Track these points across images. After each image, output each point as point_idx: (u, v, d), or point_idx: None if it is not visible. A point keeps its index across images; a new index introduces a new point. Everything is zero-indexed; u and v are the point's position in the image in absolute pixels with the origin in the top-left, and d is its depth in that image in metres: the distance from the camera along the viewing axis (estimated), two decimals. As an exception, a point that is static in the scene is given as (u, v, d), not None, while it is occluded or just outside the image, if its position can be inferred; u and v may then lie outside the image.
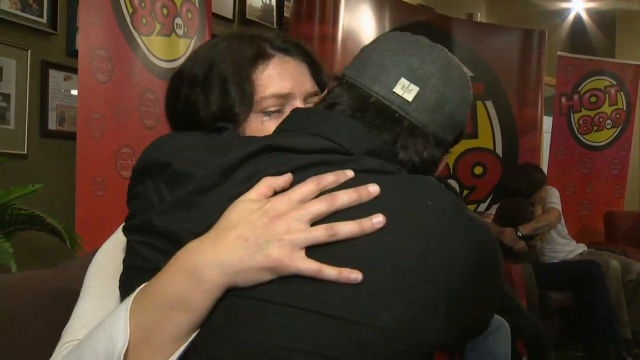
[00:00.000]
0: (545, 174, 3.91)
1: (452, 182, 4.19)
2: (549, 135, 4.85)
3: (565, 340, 3.62)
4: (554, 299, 3.43)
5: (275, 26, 3.78)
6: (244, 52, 0.91)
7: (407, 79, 0.74)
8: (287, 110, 0.88)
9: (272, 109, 0.89)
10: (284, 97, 0.90)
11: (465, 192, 4.22)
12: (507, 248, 3.40)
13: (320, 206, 0.63)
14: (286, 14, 3.82)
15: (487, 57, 4.20)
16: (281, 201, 0.63)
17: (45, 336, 0.81)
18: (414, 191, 0.67)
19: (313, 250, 0.61)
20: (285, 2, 3.83)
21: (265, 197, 0.65)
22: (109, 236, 0.90)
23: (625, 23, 6.17)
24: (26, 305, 0.97)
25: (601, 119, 4.88)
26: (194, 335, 0.63)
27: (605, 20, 6.15)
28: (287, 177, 0.66)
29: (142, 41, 2.25)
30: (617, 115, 4.90)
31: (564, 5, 6.03)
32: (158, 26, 2.34)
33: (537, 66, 4.32)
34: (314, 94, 0.92)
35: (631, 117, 4.93)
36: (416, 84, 0.74)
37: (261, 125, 0.89)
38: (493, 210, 3.84)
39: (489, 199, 4.22)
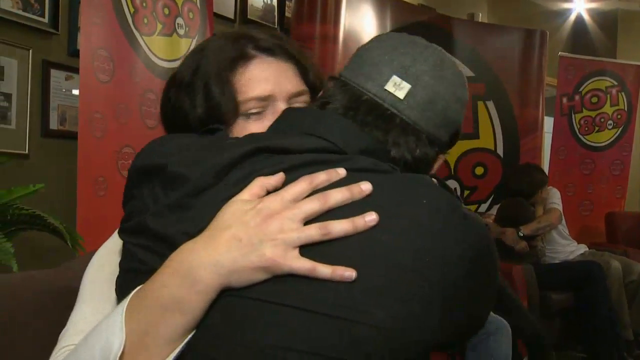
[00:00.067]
0: (547, 174, 3.91)
1: (453, 183, 4.19)
2: (550, 135, 4.84)
3: (566, 341, 3.62)
4: (554, 299, 3.43)
5: (276, 26, 3.78)
6: (225, 54, 0.91)
7: (398, 77, 0.74)
8: (269, 112, 0.89)
9: (253, 111, 0.89)
10: (265, 99, 0.89)
11: (466, 192, 4.22)
12: (509, 248, 3.40)
13: (313, 205, 0.63)
14: (287, 14, 3.82)
15: (489, 57, 4.19)
16: (274, 201, 0.64)
17: (46, 336, 0.81)
18: (408, 189, 0.67)
19: (307, 249, 0.62)
20: (287, 2, 3.83)
21: (258, 197, 0.65)
22: (110, 236, 0.90)
23: (627, 23, 6.17)
24: (27, 305, 0.97)
25: (602, 120, 4.87)
26: (189, 336, 0.63)
27: (606, 20, 6.15)
28: (279, 177, 0.66)
29: (144, 41, 2.26)
30: (619, 116, 4.90)
31: (566, 5, 6.03)
32: (159, 26, 2.34)
33: (538, 66, 4.32)
34: (299, 94, 0.92)
35: (632, 117, 4.92)
36: (408, 82, 0.74)
37: (242, 128, 0.89)
38: (494, 210, 3.84)
39: (490, 199, 4.22)
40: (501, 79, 4.23)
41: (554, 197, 3.74)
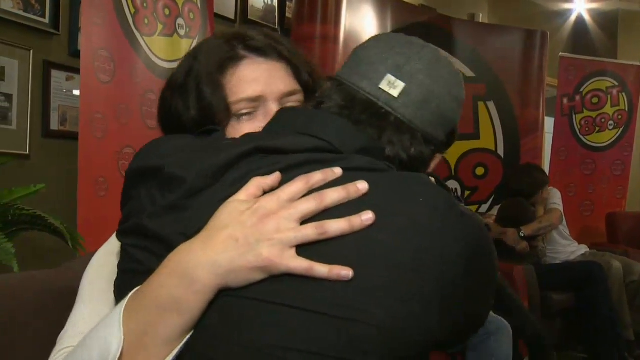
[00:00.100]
0: (547, 174, 3.91)
1: (454, 183, 4.19)
2: (551, 136, 4.84)
3: (567, 341, 3.61)
4: (555, 299, 3.42)
5: (277, 27, 3.78)
6: (216, 56, 0.91)
7: (393, 75, 0.74)
8: (261, 113, 0.89)
9: (245, 111, 0.90)
10: (255, 100, 0.90)
11: (467, 193, 4.22)
12: (510, 249, 3.39)
13: (309, 205, 0.63)
14: (288, 14, 3.82)
15: (489, 57, 4.19)
16: (270, 200, 0.64)
17: (46, 336, 0.81)
18: (404, 188, 0.67)
19: (303, 249, 0.62)
20: (287, 3, 3.83)
21: (254, 197, 0.65)
22: (110, 237, 0.90)
23: (628, 24, 6.17)
24: (28, 305, 0.97)
25: (603, 120, 4.87)
26: (187, 336, 0.63)
27: (607, 21, 6.15)
28: (275, 177, 0.66)
29: (144, 41, 2.26)
30: (619, 116, 4.90)
31: (566, 5, 6.03)
32: (160, 26, 2.34)
33: (539, 67, 4.32)
34: (291, 94, 0.92)
35: (633, 118, 4.92)
36: (402, 80, 0.74)
37: (235, 129, 0.89)
38: (495, 211, 3.84)
39: (491, 199, 4.22)
40: (502, 80, 4.23)
41: (555, 198, 3.74)
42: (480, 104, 4.21)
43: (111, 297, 0.76)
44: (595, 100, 4.85)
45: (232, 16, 3.52)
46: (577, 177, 4.82)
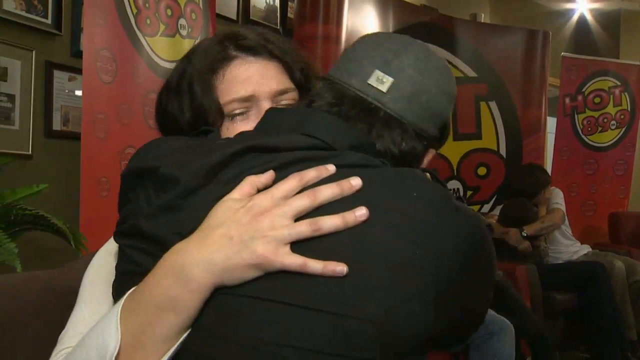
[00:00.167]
0: (549, 174, 3.90)
1: (456, 183, 4.19)
2: (553, 136, 4.84)
3: (569, 341, 3.61)
4: (558, 299, 3.42)
5: (278, 27, 3.79)
6: (208, 57, 0.92)
7: (381, 71, 0.75)
8: (254, 112, 0.90)
9: (237, 111, 0.90)
10: (247, 100, 0.90)
11: (469, 192, 4.21)
12: (512, 248, 3.39)
13: (303, 201, 0.64)
14: (290, 14, 3.82)
15: (491, 57, 4.19)
16: (264, 198, 0.64)
17: (49, 335, 0.81)
18: (398, 183, 0.67)
19: (298, 246, 0.62)
20: (289, 3, 3.83)
21: (248, 195, 0.65)
22: (111, 237, 0.90)
23: (630, 23, 6.16)
24: (31, 304, 0.97)
25: (605, 120, 4.86)
26: (184, 335, 0.63)
27: (609, 20, 6.14)
28: (269, 175, 0.66)
29: (146, 42, 2.26)
30: (622, 116, 4.89)
31: (568, 5, 6.02)
32: (162, 27, 2.34)
33: (541, 67, 4.31)
34: (284, 92, 0.92)
35: (636, 117, 4.91)
36: (390, 75, 0.75)
37: (229, 130, 0.90)
38: (497, 211, 3.83)
39: (493, 199, 4.22)
40: (504, 80, 4.22)
41: (557, 198, 3.73)
42: (483, 104, 4.21)
43: (111, 296, 0.76)
44: (597, 100, 4.85)
45: (234, 16, 3.52)
46: (579, 177, 4.82)
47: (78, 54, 2.55)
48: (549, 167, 4.62)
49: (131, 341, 0.62)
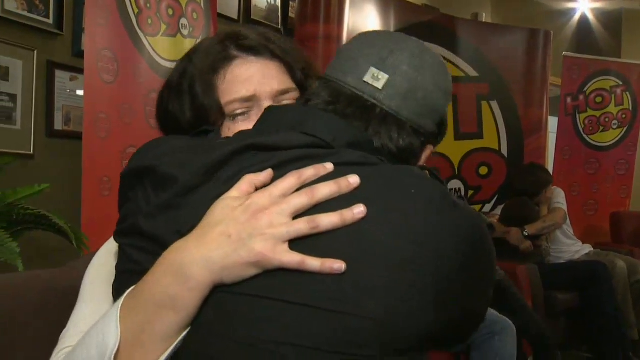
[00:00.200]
0: (551, 174, 3.90)
1: (457, 183, 4.18)
2: (555, 135, 4.83)
3: (571, 341, 3.60)
4: (560, 299, 3.42)
5: (280, 26, 3.79)
6: (209, 57, 0.92)
7: (376, 68, 0.75)
8: (255, 112, 0.89)
9: (239, 111, 0.90)
10: (249, 100, 0.90)
11: (471, 192, 4.21)
12: (513, 248, 3.39)
13: (301, 199, 0.64)
14: (291, 14, 3.82)
15: (493, 57, 4.19)
16: (262, 196, 0.64)
17: (51, 335, 0.81)
18: (396, 180, 0.67)
19: (296, 244, 0.62)
20: (290, 3, 3.83)
21: (247, 193, 0.65)
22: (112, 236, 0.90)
23: (632, 23, 6.15)
24: (33, 304, 0.98)
25: (607, 119, 4.86)
26: (184, 333, 0.63)
27: (611, 20, 6.13)
28: (267, 173, 0.67)
29: (148, 42, 2.26)
30: (623, 116, 4.88)
31: (570, 5, 6.02)
32: (163, 27, 2.34)
33: (542, 66, 4.31)
34: (285, 92, 0.92)
35: (637, 117, 4.90)
36: (386, 72, 0.75)
37: (230, 130, 0.89)
38: (498, 210, 3.83)
39: (494, 199, 4.21)
40: (505, 79, 4.22)
41: (559, 197, 3.73)
42: (484, 104, 4.21)
43: (112, 296, 0.76)
44: (599, 99, 4.84)
45: (235, 16, 3.52)
46: (581, 177, 4.81)
47: (79, 54, 2.55)
48: (550, 167, 4.61)
49: (131, 339, 0.63)
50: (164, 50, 2.33)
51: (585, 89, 4.82)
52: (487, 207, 4.19)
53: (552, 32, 4.42)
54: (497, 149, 4.25)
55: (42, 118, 2.58)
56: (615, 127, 4.88)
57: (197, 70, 0.91)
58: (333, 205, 0.63)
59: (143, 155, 0.74)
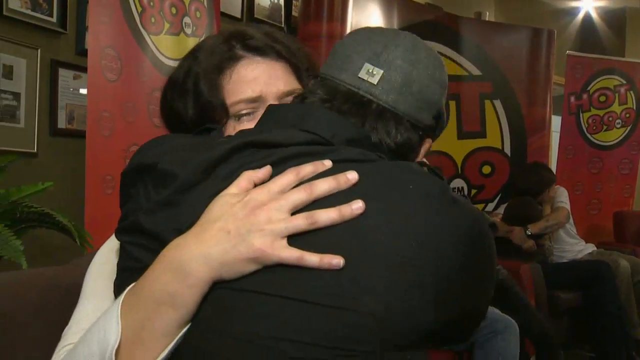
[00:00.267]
0: (554, 173, 3.89)
1: (460, 182, 4.18)
2: (558, 134, 4.82)
3: (574, 340, 3.60)
4: (563, 298, 3.41)
5: (283, 25, 3.79)
6: (215, 56, 0.92)
7: (370, 64, 0.75)
8: (260, 113, 0.88)
9: (244, 112, 0.90)
10: (255, 101, 0.90)
11: (474, 191, 4.21)
12: (516, 247, 3.38)
13: (300, 195, 0.64)
14: (294, 12, 3.82)
15: (496, 56, 4.18)
16: (261, 192, 0.64)
17: (54, 332, 0.82)
18: (394, 176, 0.67)
19: (295, 239, 0.62)
20: (294, 1, 3.83)
21: (245, 190, 0.65)
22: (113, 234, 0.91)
23: (636, 22, 6.13)
24: (36, 301, 0.98)
25: (611, 119, 4.84)
26: (184, 330, 0.63)
27: (615, 19, 6.11)
28: (266, 170, 0.67)
29: (151, 40, 2.26)
30: (627, 115, 4.87)
31: (574, 4, 6.00)
32: (167, 25, 2.35)
33: (546, 65, 4.30)
34: (291, 93, 0.92)
35: (641, 116, 4.90)
36: (380, 67, 0.75)
37: (234, 130, 0.89)
38: (501, 209, 3.83)
39: (497, 198, 4.21)
40: (508, 78, 4.21)
41: (562, 196, 3.72)
42: (487, 103, 4.20)
43: (113, 294, 0.77)
44: (602, 98, 4.83)
45: (238, 15, 3.52)
46: (584, 176, 4.80)
47: (83, 53, 2.55)
48: (553, 166, 4.61)
49: (131, 336, 0.63)
50: (167, 48, 2.33)
51: (589, 88, 4.81)
52: (490, 206, 4.18)
53: (555, 31, 4.40)
54: (500, 148, 4.24)
55: (46, 116, 2.59)
56: (618, 126, 4.86)
57: (202, 69, 0.91)
58: (331, 201, 0.63)
59: (144, 153, 0.75)
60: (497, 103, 4.21)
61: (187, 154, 0.71)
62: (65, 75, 2.64)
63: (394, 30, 0.80)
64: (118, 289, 0.72)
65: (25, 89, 2.50)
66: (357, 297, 0.59)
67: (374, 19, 3.50)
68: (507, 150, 4.24)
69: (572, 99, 4.79)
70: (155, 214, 0.68)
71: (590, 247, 3.83)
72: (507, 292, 2.76)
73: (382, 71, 0.74)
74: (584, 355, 3.62)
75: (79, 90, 2.69)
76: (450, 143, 4.08)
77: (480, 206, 4.15)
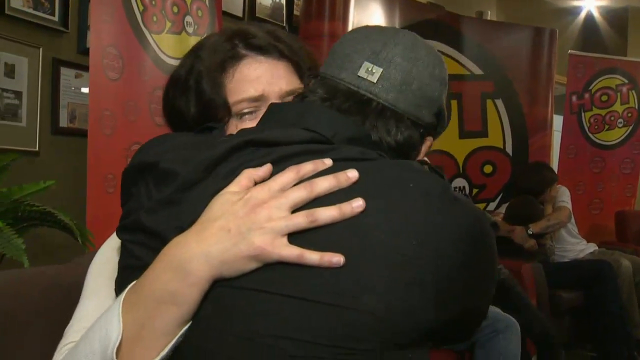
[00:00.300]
0: (556, 172, 3.89)
1: (462, 181, 4.18)
2: (560, 134, 4.82)
3: (575, 340, 3.60)
4: (564, 298, 3.41)
5: (284, 24, 3.79)
6: (217, 55, 0.92)
7: (370, 62, 0.75)
8: (262, 112, 0.88)
9: (246, 111, 0.90)
10: (257, 100, 0.90)
11: (475, 190, 4.21)
12: (518, 246, 3.38)
13: (300, 193, 0.64)
14: (296, 11, 3.82)
15: (498, 55, 4.18)
16: (261, 190, 0.64)
17: (56, 330, 0.82)
18: (394, 175, 0.67)
19: (295, 237, 0.62)
20: (295, 0, 3.83)
21: (246, 188, 0.65)
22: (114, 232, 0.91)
23: (638, 21, 6.12)
24: (38, 300, 0.98)
25: (612, 118, 4.84)
26: (184, 328, 0.63)
27: (617, 18, 6.11)
28: (266, 168, 0.67)
29: (153, 39, 2.26)
30: (629, 114, 4.86)
31: (576, 3, 5.99)
32: (168, 24, 2.35)
33: (547, 64, 4.29)
34: (293, 92, 0.92)
35: (643, 115, 4.89)
36: (379, 66, 0.75)
37: (236, 129, 0.89)
38: (503, 209, 3.82)
39: (499, 197, 4.21)
40: (510, 77, 4.21)
41: (564, 196, 3.72)
42: (489, 102, 4.20)
43: (114, 292, 0.77)
44: (604, 98, 4.82)
45: (240, 14, 3.52)
46: (586, 175, 4.80)
47: (85, 51, 2.55)
48: (555, 165, 4.60)
49: (132, 334, 0.63)
50: (169, 47, 2.33)
51: (591, 87, 4.80)
52: (492, 206, 4.18)
53: (557, 30, 4.40)
54: (502, 147, 4.24)
55: (48, 115, 2.59)
56: (620, 125, 4.86)
57: (205, 67, 0.91)
58: (332, 199, 0.63)
59: (146, 151, 0.75)
60: (499, 102, 4.21)
61: (188, 152, 0.71)
62: (67, 74, 2.65)
63: (393, 28, 0.81)
64: (119, 287, 0.72)
65: (27, 87, 2.50)
66: (357, 295, 0.59)
67: (376, 18, 3.50)
68: (509, 149, 4.24)
69: (574, 98, 4.79)
70: (156, 213, 0.68)
71: (592, 247, 3.83)
72: (508, 291, 2.76)
73: (381, 69, 0.74)
74: (586, 354, 3.62)
75: (80, 89, 2.69)
76: (452, 142, 4.08)
77: (481, 205, 4.15)
